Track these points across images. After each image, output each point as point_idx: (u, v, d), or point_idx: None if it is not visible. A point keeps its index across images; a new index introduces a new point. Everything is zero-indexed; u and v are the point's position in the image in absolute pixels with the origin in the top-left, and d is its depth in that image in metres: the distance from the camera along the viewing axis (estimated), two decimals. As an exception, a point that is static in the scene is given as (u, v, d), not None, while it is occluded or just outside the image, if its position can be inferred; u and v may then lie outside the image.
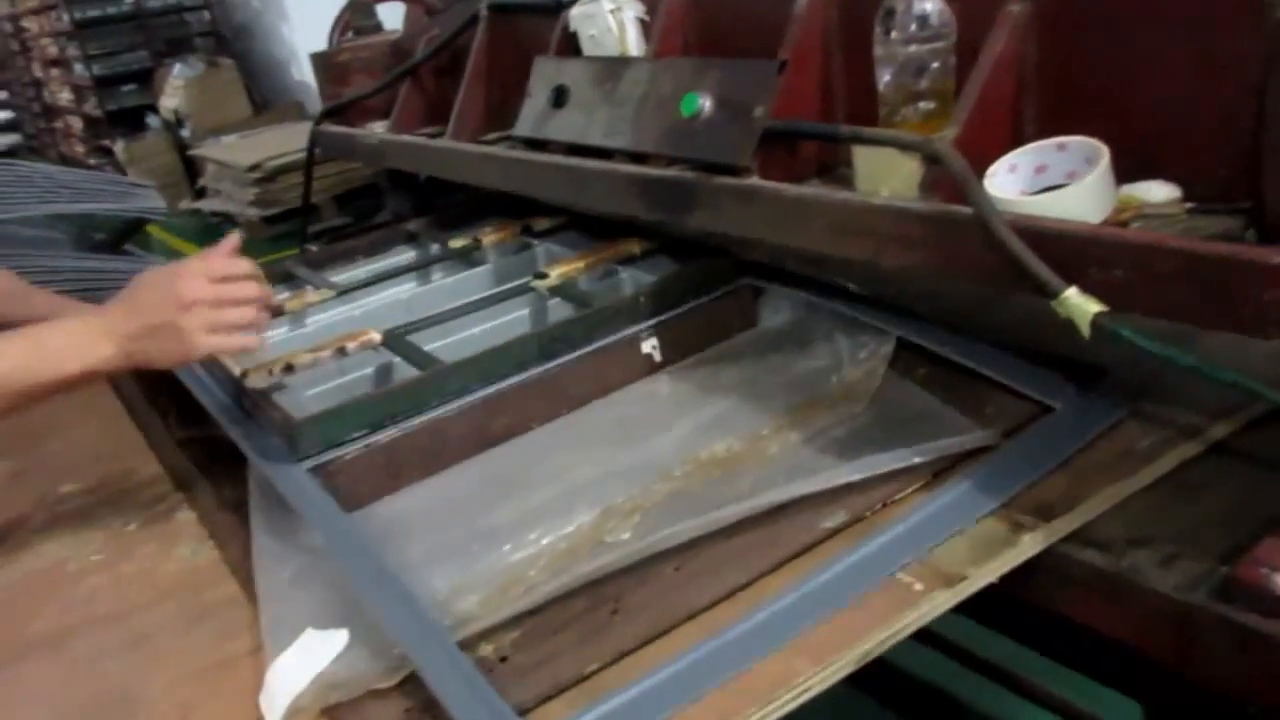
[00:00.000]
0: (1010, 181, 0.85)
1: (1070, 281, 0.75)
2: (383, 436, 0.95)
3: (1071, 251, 0.75)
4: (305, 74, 6.49)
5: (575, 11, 1.28)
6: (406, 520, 0.90)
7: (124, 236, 2.05)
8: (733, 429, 0.95)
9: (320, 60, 1.84)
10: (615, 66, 1.19)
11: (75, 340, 0.91)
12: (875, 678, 0.77)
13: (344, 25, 1.97)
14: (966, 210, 0.80)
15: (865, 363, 1.01)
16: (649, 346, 1.09)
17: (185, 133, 6.26)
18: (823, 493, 0.82)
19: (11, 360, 0.89)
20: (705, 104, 1.04)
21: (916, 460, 0.84)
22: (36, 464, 1.16)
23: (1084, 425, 0.87)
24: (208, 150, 5.77)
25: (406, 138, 1.56)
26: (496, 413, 1.00)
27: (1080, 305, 0.74)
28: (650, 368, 1.09)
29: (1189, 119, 0.82)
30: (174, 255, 3.46)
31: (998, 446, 0.86)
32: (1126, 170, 0.83)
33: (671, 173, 1.07)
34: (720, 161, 1.02)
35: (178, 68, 6.44)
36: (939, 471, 0.85)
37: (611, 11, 1.22)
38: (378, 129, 1.72)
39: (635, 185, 1.11)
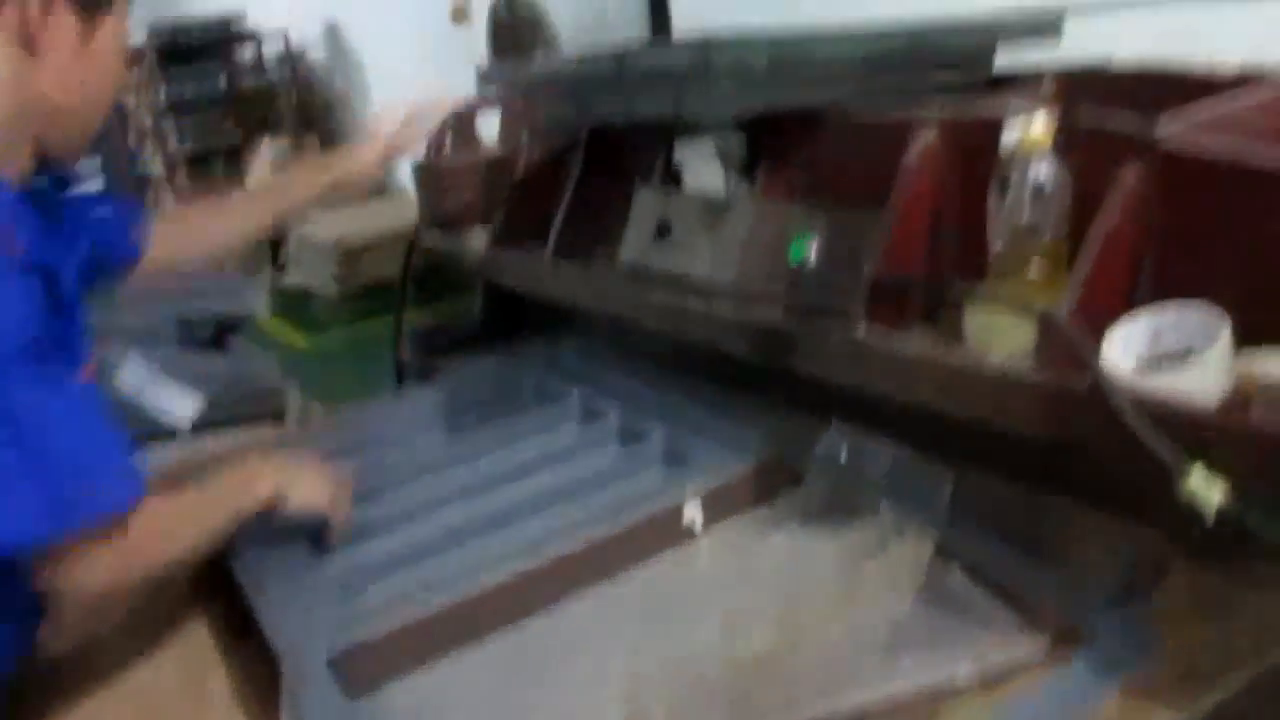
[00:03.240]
0: (1127, 349, 0.86)
1: (1192, 461, 0.75)
2: (407, 616, 0.94)
3: (1195, 433, 0.75)
4: (386, 152, 6.71)
5: (681, 144, 1.32)
6: (430, 708, 0.88)
7: (227, 330, 2.13)
8: (773, 617, 0.91)
9: (422, 172, 1.91)
10: (720, 204, 1.22)
11: (238, 487, 1.08)
12: None
13: (442, 135, 2.04)
14: (1084, 381, 0.81)
15: (912, 541, 0.97)
16: (690, 513, 1.08)
17: (270, 207, 6.49)
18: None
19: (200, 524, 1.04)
20: (813, 250, 1.07)
21: (964, 669, 0.80)
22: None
23: (1128, 655, 0.80)
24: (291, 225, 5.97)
25: (506, 254, 1.61)
26: (529, 586, 0.98)
27: (1205, 489, 0.74)
28: (691, 535, 1.07)
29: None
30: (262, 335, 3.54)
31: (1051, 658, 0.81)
32: (1244, 334, 0.84)
33: (777, 316, 1.09)
34: (827, 308, 1.04)
35: (265, 145, 6.71)
36: (989, 678, 0.80)
37: (717, 149, 1.26)
38: (476, 239, 1.78)
39: (740, 326, 1.13)
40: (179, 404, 1.81)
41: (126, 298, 1.87)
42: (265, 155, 6.69)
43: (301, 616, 0.97)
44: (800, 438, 1.12)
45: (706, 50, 1.02)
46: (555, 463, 1.24)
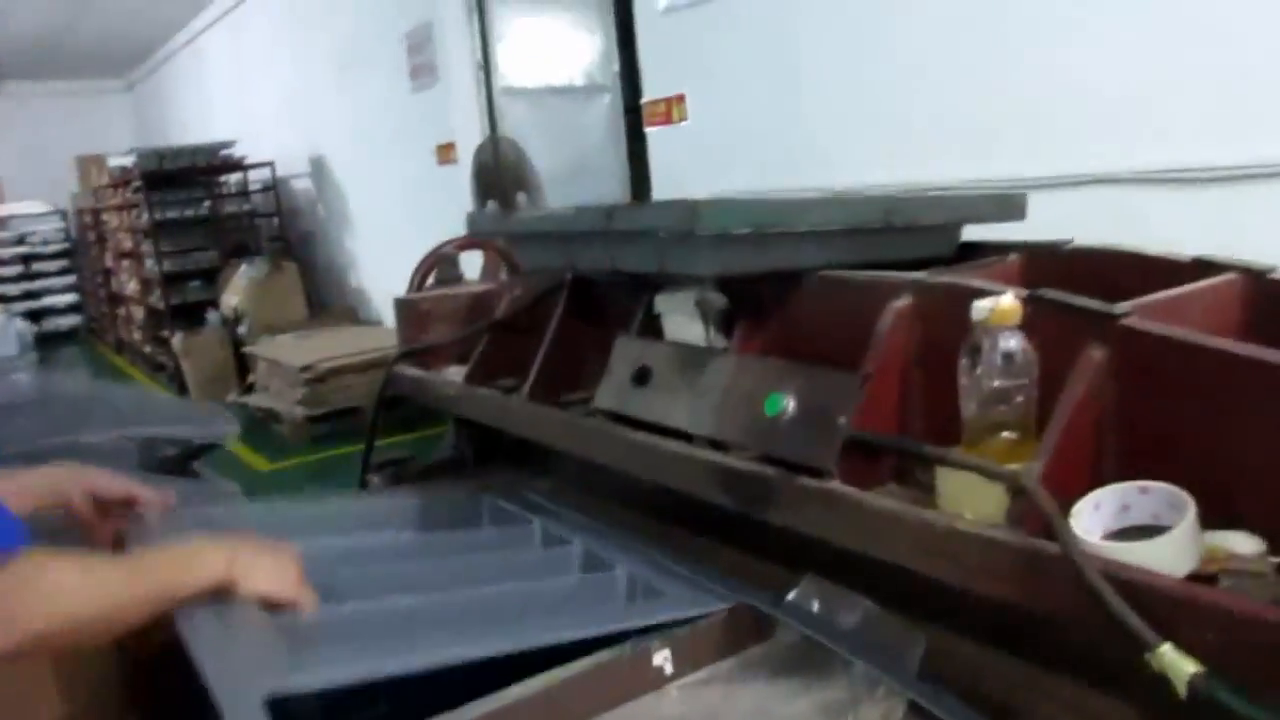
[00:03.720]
0: (1095, 519, 0.88)
1: (1161, 635, 0.76)
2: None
3: (1164, 607, 0.77)
4: (362, 281, 6.81)
5: (661, 296, 1.36)
6: None
7: (192, 456, 2.10)
8: None
9: (403, 306, 1.94)
10: (699, 356, 1.25)
11: (177, 563, 0.98)
12: None
13: (425, 271, 2.09)
14: (1055, 548, 0.83)
15: (882, 701, 0.96)
16: (660, 659, 1.04)
17: (242, 329, 6.50)
18: None
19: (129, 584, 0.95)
20: (789, 405, 1.10)
21: None
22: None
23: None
24: (261, 349, 5.98)
25: (483, 391, 1.63)
26: None
27: (1176, 663, 0.74)
28: (661, 681, 1.04)
29: (1272, 474, 0.85)
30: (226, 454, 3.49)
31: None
32: (1207, 515, 0.86)
33: (754, 466, 1.10)
34: (802, 462, 1.06)
35: (243, 268, 6.78)
36: None
37: (697, 302, 1.30)
38: (452, 373, 1.80)
39: (716, 473, 1.14)
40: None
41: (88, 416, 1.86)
42: (240, 279, 6.75)
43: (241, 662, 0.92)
44: (772, 588, 1.12)
45: (693, 212, 1.07)
46: (518, 578, 1.21)
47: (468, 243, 2.12)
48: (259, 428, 5.72)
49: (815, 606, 1.12)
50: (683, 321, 1.32)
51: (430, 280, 2.09)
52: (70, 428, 1.77)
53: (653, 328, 1.40)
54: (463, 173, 4.72)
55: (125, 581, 0.95)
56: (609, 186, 5.17)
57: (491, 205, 3.91)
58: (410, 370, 1.86)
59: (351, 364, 5.35)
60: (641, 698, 1.03)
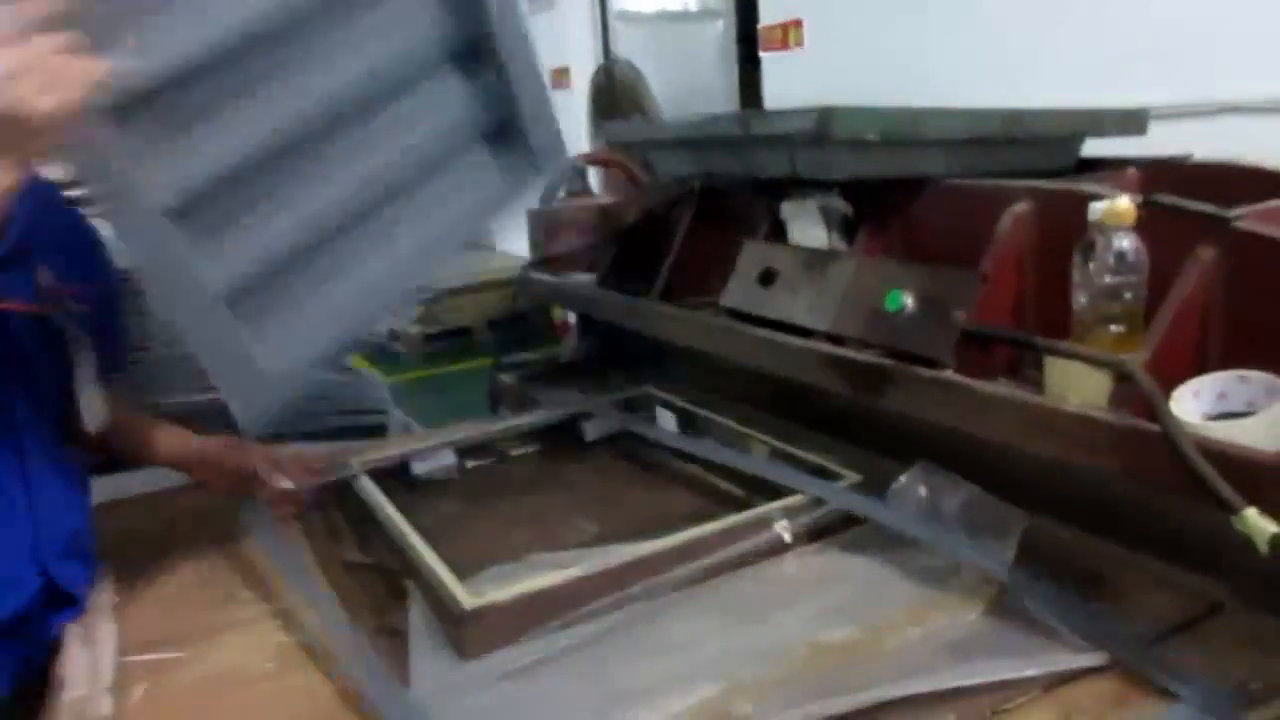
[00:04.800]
0: (1194, 405, 0.96)
1: (1246, 500, 0.84)
2: (516, 589, 1.02)
3: (1252, 475, 0.85)
4: (474, 205, 6.98)
5: (787, 203, 1.45)
6: (538, 673, 0.97)
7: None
8: (853, 618, 1.01)
9: (536, 216, 2.07)
10: (823, 258, 1.35)
11: None
12: None
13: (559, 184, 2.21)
14: (1154, 427, 0.91)
15: (986, 570, 1.04)
16: (780, 527, 1.17)
17: (361, 248, 6.77)
18: (934, 693, 0.87)
19: None
20: (909, 301, 1.19)
21: (1028, 673, 0.89)
22: (219, 570, 1.25)
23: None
24: (380, 267, 6.24)
25: (613, 293, 1.75)
26: (629, 575, 1.07)
27: (1259, 524, 0.83)
28: (781, 548, 1.16)
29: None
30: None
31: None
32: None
33: (873, 358, 1.20)
34: (920, 353, 1.15)
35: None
36: (1050, 686, 0.88)
37: (821, 208, 1.39)
38: (580, 279, 1.93)
39: (837, 365, 1.25)
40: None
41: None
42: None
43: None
44: (880, 474, 1.22)
45: (828, 118, 1.15)
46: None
47: (593, 158, 2.23)
48: (376, 340, 5.99)
49: (923, 490, 1.23)
50: (806, 227, 1.41)
51: (561, 193, 2.21)
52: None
53: (777, 235, 1.49)
54: (577, 98, 4.82)
55: None
56: (721, 107, 5.21)
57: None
58: (541, 275, 2.00)
59: (465, 286, 5.56)
60: (762, 562, 1.16)
